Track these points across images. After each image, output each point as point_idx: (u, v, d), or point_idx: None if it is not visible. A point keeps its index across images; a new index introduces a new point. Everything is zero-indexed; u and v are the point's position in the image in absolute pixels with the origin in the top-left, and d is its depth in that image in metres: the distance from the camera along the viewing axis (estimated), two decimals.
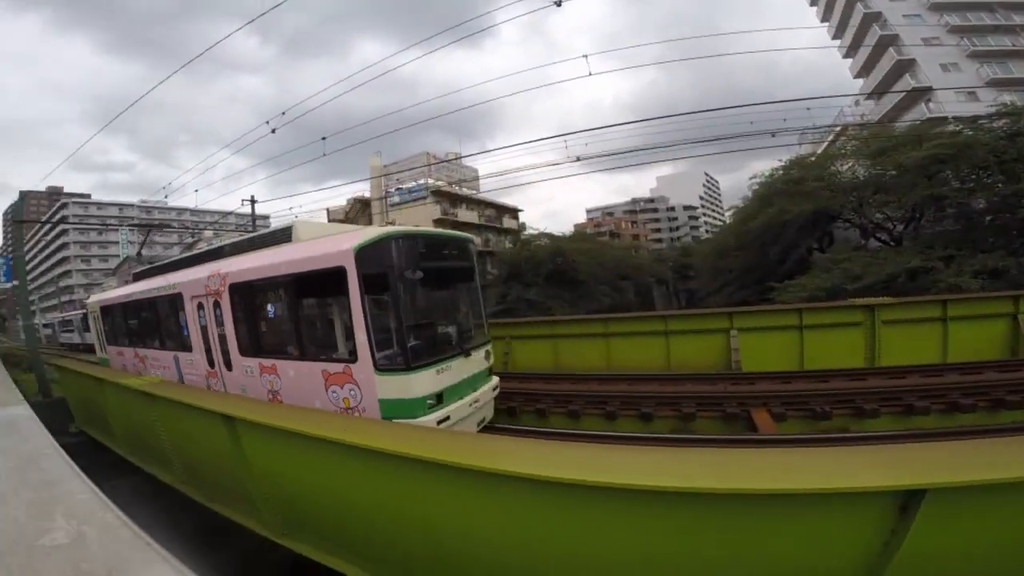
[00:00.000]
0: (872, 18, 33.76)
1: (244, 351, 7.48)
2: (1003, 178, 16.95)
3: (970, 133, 18.80)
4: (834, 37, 37.73)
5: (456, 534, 3.12)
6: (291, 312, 6.92)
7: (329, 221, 43.35)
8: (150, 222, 58.43)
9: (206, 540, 5.06)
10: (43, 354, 20.61)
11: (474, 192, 45.01)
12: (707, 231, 71.35)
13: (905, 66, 31.21)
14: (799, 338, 9.59)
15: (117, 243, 65.94)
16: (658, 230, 78.95)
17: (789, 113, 16.74)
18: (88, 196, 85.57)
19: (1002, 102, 21.01)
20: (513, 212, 51.74)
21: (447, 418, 5.96)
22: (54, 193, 79.42)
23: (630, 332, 11.34)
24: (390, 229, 6.23)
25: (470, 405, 6.54)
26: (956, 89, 26.44)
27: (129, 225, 59.00)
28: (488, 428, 7.39)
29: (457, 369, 6.39)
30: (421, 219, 36.89)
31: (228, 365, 7.83)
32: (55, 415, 7.58)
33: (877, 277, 16.58)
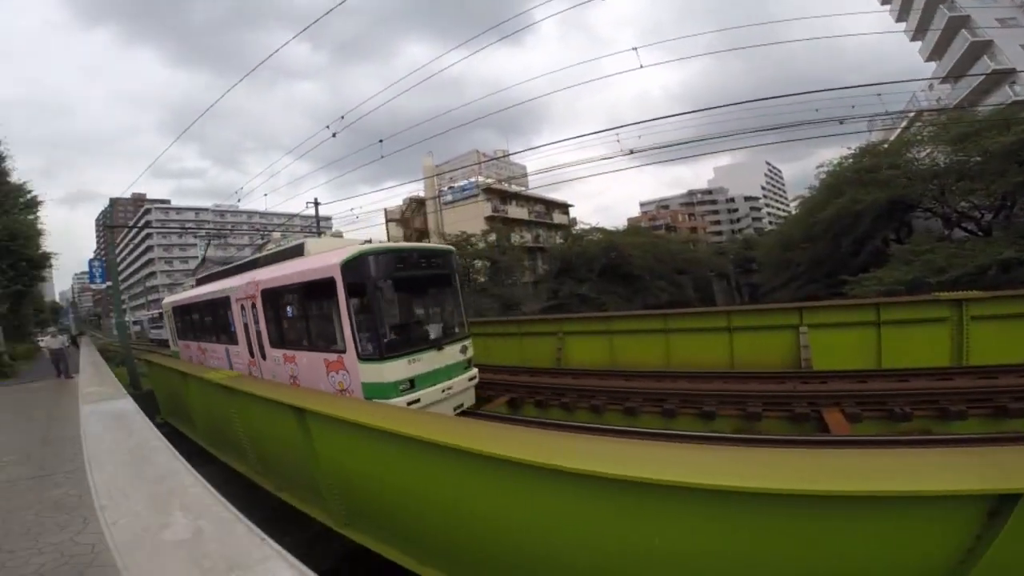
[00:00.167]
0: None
1: (273, 344, 9.02)
2: None
3: None
4: (898, 20, 34.83)
5: (517, 529, 3.09)
6: (302, 313, 8.46)
7: (387, 221, 45.19)
8: (223, 225, 62.95)
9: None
10: (133, 349, 22.91)
11: (523, 188, 45.20)
12: (771, 222, 67.40)
13: (981, 48, 28.34)
14: (876, 335, 9.14)
15: (195, 245, 71.82)
16: (717, 222, 75.86)
17: (858, 100, 15.66)
18: (168, 201, 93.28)
19: None
20: (563, 207, 51.54)
21: (418, 400, 7.07)
22: (138, 199, 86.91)
23: (690, 328, 11.15)
24: (368, 247, 7.58)
25: (442, 391, 7.63)
26: None
27: (193, 232, 64.24)
28: (544, 424, 7.80)
29: (429, 360, 7.54)
30: (472, 216, 37.41)
31: (263, 355, 9.36)
32: (145, 407, 8.42)
33: (964, 269, 15.46)
